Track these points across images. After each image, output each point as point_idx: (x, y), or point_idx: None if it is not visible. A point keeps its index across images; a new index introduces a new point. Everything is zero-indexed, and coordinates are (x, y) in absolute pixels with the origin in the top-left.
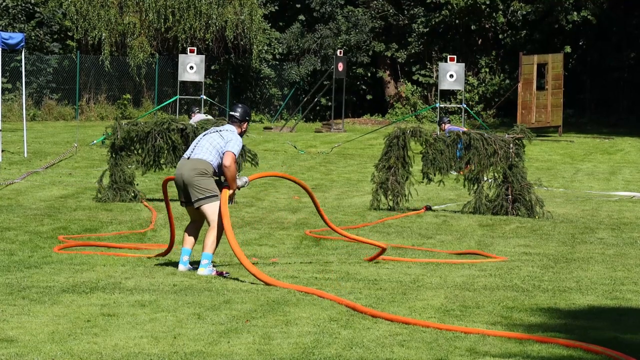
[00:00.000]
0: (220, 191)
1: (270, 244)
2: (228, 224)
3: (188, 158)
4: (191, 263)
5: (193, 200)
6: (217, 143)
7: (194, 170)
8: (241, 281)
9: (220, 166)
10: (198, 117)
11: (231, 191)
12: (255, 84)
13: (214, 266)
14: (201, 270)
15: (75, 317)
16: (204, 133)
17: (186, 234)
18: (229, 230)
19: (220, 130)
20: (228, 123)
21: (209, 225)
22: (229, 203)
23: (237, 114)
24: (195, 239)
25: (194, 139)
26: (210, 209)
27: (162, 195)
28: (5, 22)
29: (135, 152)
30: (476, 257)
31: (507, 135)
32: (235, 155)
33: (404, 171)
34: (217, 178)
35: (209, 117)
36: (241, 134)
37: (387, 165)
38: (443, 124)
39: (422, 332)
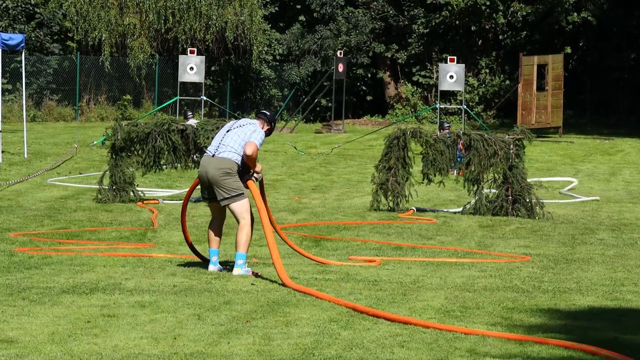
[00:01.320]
0: (245, 186)
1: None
2: (265, 217)
3: (213, 155)
4: (221, 263)
5: (219, 199)
6: (242, 139)
7: (219, 169)
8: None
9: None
10: (191, 122)
11: (257, 175)
12: (256, 85)
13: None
14: (237, 271)
15: (75, 317)
16: (227, 128)
17: (211, 234)
18: (267, 225)
19: (243, 125)
20: (254, 119)
21: (238, 223)
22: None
23: (267, 112)
24: (220, 236)
25: (193, 139)
26: (238, 208)
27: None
28: (5, 23)
29: (136, 153)
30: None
31: (507, 136)
32: (258, 146)
33: (404, 172)
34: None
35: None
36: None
37: (387, 166)
38: (443, 130)
39: (422, 332)
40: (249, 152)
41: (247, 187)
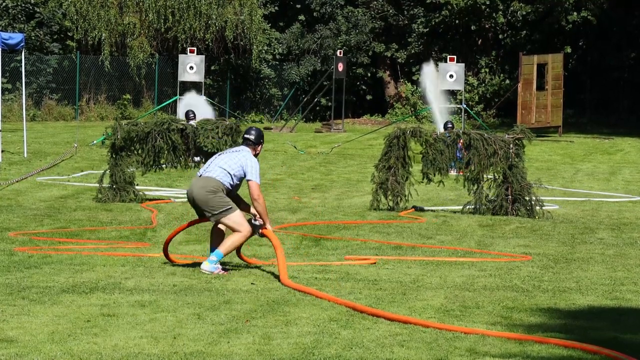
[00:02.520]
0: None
1: (270, 244)
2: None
3: (200, 176)
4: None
5: (207, 217)
6: (233, 163)
7: (203, 188)
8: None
9: (235, 186)
10: (193, 123)
11: (270, 227)
12: (255, 84)
13: (223, 269)
14: (205, 265)
15: (75, 317)
16: (219, 153)
17: (213, 234)
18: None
19: (235, 151)
20: (242, 145)
21: (233, 231)
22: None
23: (251, 137)
24: (222, 238)
25: (193, 138)
26: (231, 220)
27: (160, 197)
28: (5, 22)
29: (135, 152)
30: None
31: (507, 136)
32: (259, 183)
33: (403, 171)
34: (231, 191)
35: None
36: (255, 156)
37: (387, 165)
38: (445, 130)
39: (422, 332)
40: (255, 194)
41: (263, 235)
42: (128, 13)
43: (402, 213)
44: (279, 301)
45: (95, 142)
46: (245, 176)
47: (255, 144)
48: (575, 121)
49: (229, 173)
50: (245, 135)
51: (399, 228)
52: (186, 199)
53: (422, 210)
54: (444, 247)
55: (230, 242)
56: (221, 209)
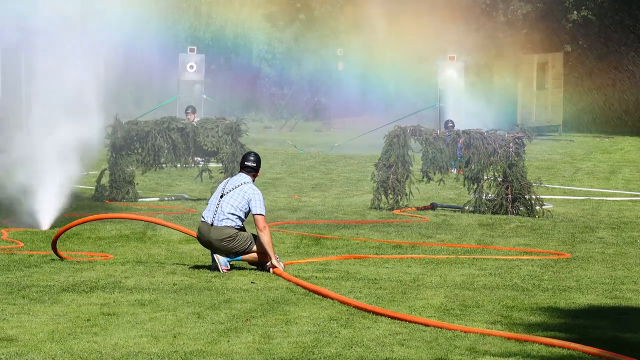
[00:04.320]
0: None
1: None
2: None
3: (211, 224)
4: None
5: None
6: (238, 202)
7: (221, 240)
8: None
9: (245, 215)
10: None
11: (277, 263)
12: (255, 84)
13: (228, 270)
14: (221, 256)
15: (75, 316)
16: (220, 191)
17: None
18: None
19: (237, 187)
20: (241, 172)
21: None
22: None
23: (252, 164)
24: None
25: (193, 137)
26: (257, 250)
27: (163, 197)
28: None
29: (135, 151)
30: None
31: (507, 135)
32: (265, 215)
33: (404, 170)
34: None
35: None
36: (253, 180)
37: (387, 164)
38: (446, 129)
39: (422, 331)
40: (260, 226)
41: (274, 273)
42: None
43: (396, 211)
44: (279, 300)
45: None
46: (250, 210)
47: (256, 170)
48: (575, 120)
49: (237, 215)
50: (246, 163)
51: (398, 227)
52: (198, 239)
53: (443, 207)
54: (445, 244)
55: (251, 257)
56: (245, 246)
